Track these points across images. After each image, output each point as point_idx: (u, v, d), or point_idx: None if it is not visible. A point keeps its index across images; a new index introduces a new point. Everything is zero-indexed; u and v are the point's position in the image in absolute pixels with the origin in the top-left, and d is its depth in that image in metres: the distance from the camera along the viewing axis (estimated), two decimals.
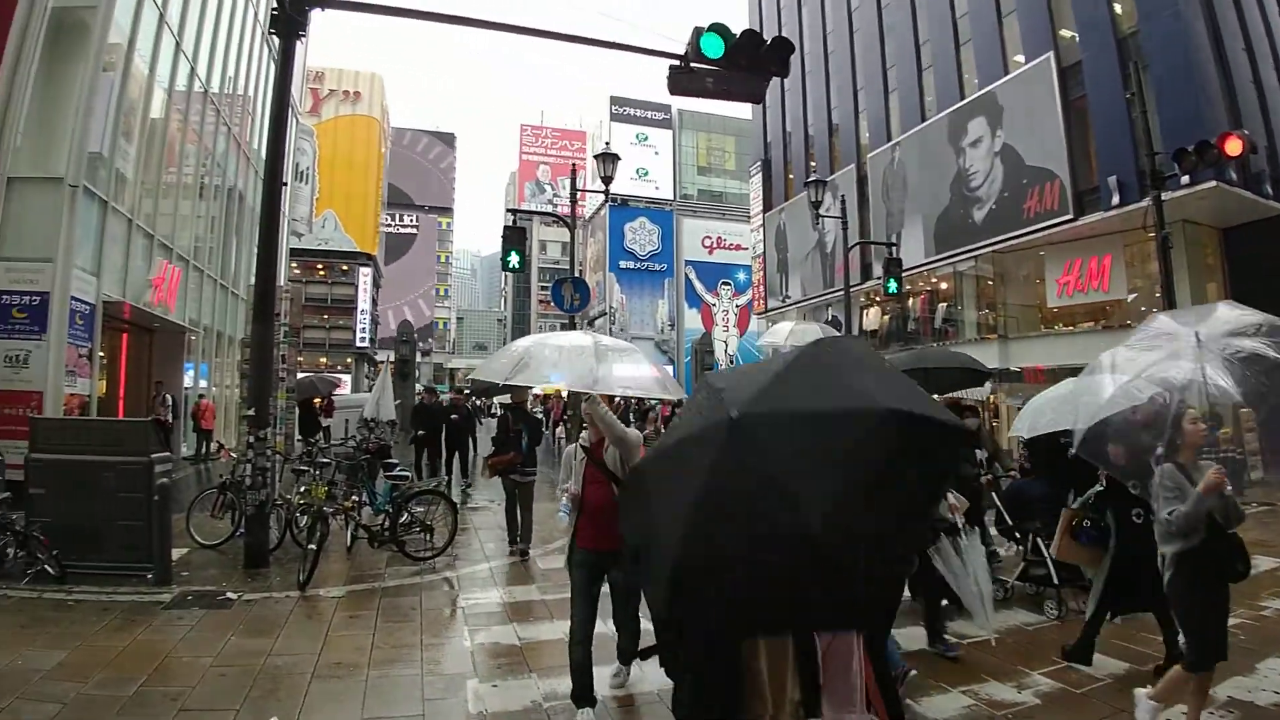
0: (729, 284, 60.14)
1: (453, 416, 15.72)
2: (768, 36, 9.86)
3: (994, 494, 8.14)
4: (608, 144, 20.60)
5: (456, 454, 15.78)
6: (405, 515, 9.11)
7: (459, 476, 15.76)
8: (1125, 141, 20.04)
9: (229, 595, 7.37)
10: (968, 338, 27.58)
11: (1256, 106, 22.65)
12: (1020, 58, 25.35)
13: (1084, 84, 23.09)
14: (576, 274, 18.34)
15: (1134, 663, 5.74)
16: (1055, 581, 7.04)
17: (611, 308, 59.37)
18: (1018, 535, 7.76)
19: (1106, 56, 21.92)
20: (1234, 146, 13.19)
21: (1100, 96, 22.05)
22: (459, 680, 5.41)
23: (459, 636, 6.44)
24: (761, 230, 43.84)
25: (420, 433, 15.48)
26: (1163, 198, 14.91)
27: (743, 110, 54.19)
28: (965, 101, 27.47)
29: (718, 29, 9.03)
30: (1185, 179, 17.71)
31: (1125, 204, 20.59)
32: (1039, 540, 7.24)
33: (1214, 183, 19.10)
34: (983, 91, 26.63)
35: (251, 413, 9.12)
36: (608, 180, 18.18)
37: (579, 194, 19.95)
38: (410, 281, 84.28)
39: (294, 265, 52.52)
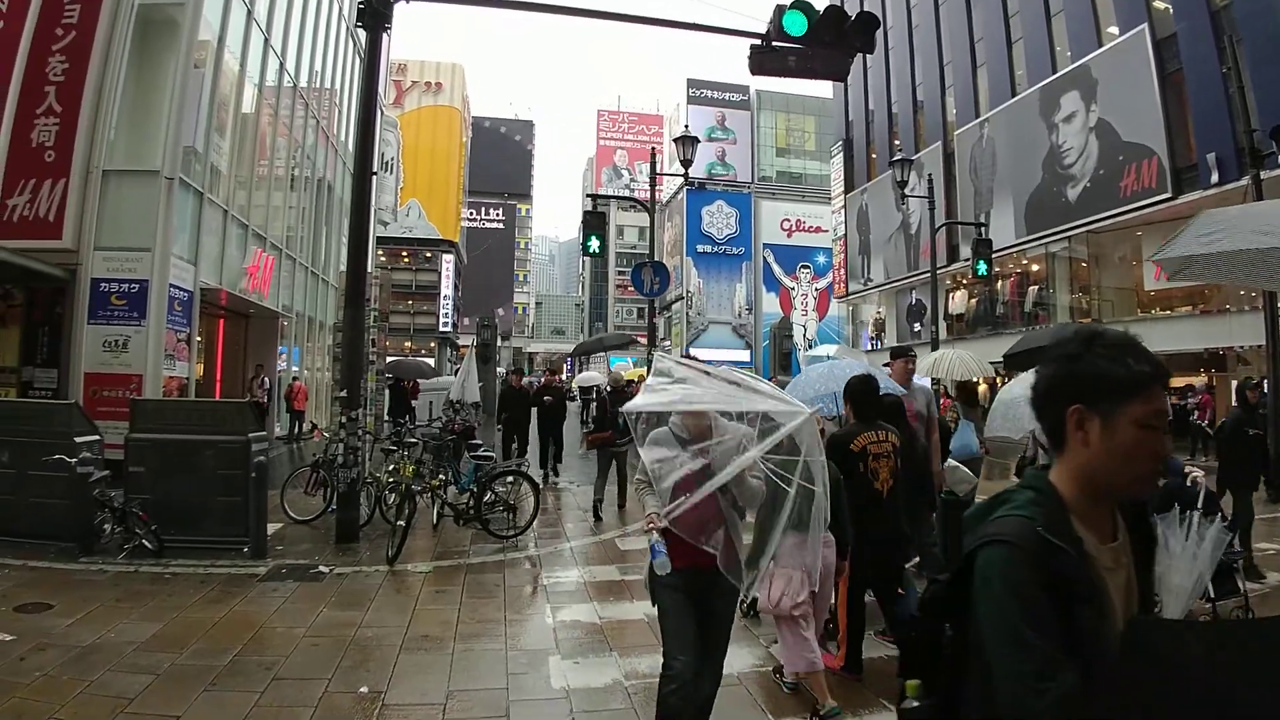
0: (808, 267, 59.20)
1: (545, 399, 14.80)
2: (851, 12, 9.64)
3: None
4: (686, 127, 20.45)
5: (551, 440, 14.40)
6: (489, 494, 9.30)
7: (552, 463, 14.32)
8: (1223, 117, 18.92)
9: (321, 569, 7.62)
10: (1059, 322, 26.58)
11: None
12: (1114, 29, 24.19)
13: (1179, 57, 21.92)
14: (655, 258, 18.28)
15: None
16: None
17: (689, 292, 59.19)
18: None
19: (1201, 28, 20.73)
20: None
21: (1196, 70, 20.89)
22: (541, 656, 5.47)
23: (541, 613, 6.54)
24: (843, 212, 43.07)
25: (505, 415, 14.58)
26: (1263, 177, 14.10)
27: (823, 89, 53.33)
28: (1057, 75, 26.39)
29: (801, 5, 8.84)
30: None
31: (1224, 182, 19.53)
32: None
33: None
34: (1076, 65, 25.51)
35: (344, 394, 9.47)
36: (687, 164, 18.10)
37: (657, 178, 19.92)
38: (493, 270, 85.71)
39: (380, 253, 53.85)
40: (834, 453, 4.78)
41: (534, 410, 14.84)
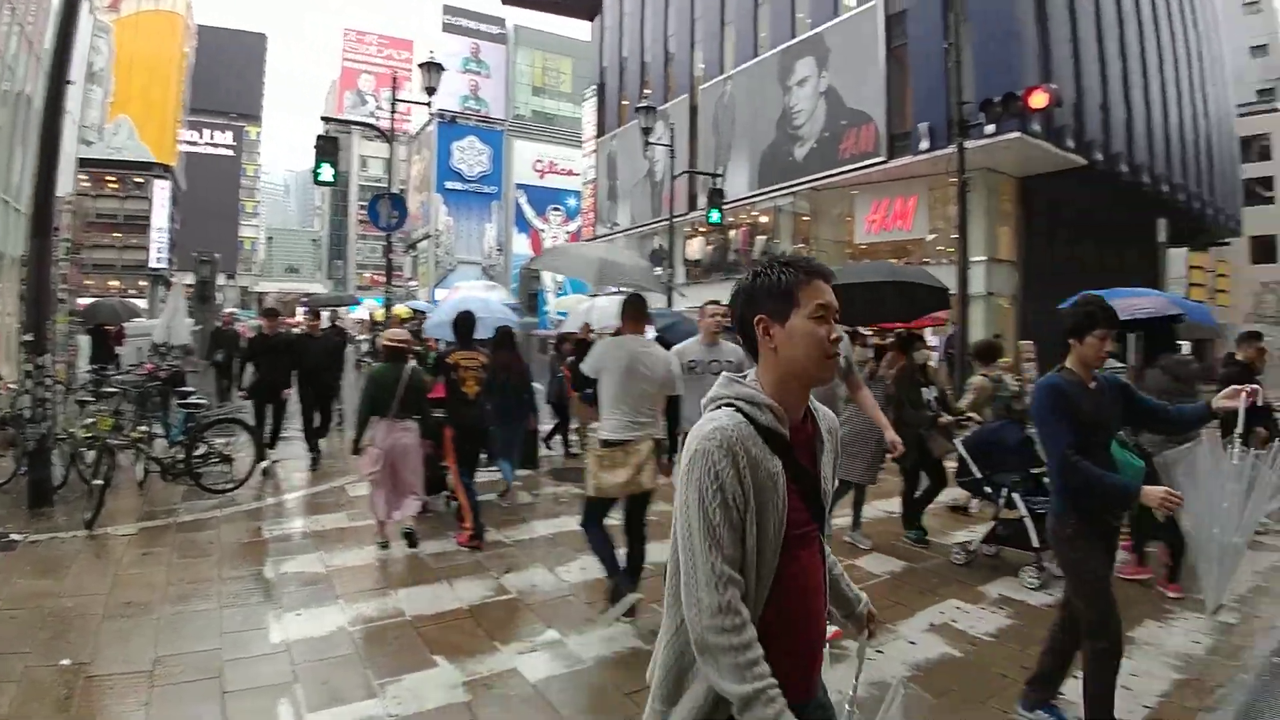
0: (559, 210, 59.28)
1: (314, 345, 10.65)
2: None
3: (955, 441, 6.80)
4: (431, 53, 18.89)
5: (318, 408, 10.56)
6: (202, 446, 8.43)
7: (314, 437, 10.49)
8: (939, 90, 21.03)
9: (13, 537, 6.62)
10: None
11: (1070, 63, 24.46)
12: (851, 1, 26.08)
13: (907, 32, 24.13)
14: (396, 191, 17.36)
15: None
16: (1036, 545, 5.82)
17: (437, 230, 57.34)
18: (988, 490, 6.41)
19: (931, 6, 22.87)
20: (1039, 100, 14.01)
21: (920, 45, 23.11)
22: (260, 611, 5.09)
23: (261, 568, 6.04)
24: (594, 156, 43.54)
25: (257, 376, 10.13)
26: (970, 146, 15.78)
27: (580, 31, 53.14)
28: (796, 40, 28.07)
29: None
30: (990, 128, 18.99)
31: (934, 149, 21.88)
32: (1015, 495, 6.09)
33: (1017, 134, 20.58)
34: (813, 32, 27.29)
35: (29, 338, 8.09)
36: (430, 91, 17.28)
37: (402, 106, 18.76)
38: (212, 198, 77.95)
39: (81, 176, 47.02)
40: (438, 364, 7.19)
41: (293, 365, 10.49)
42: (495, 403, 7.28)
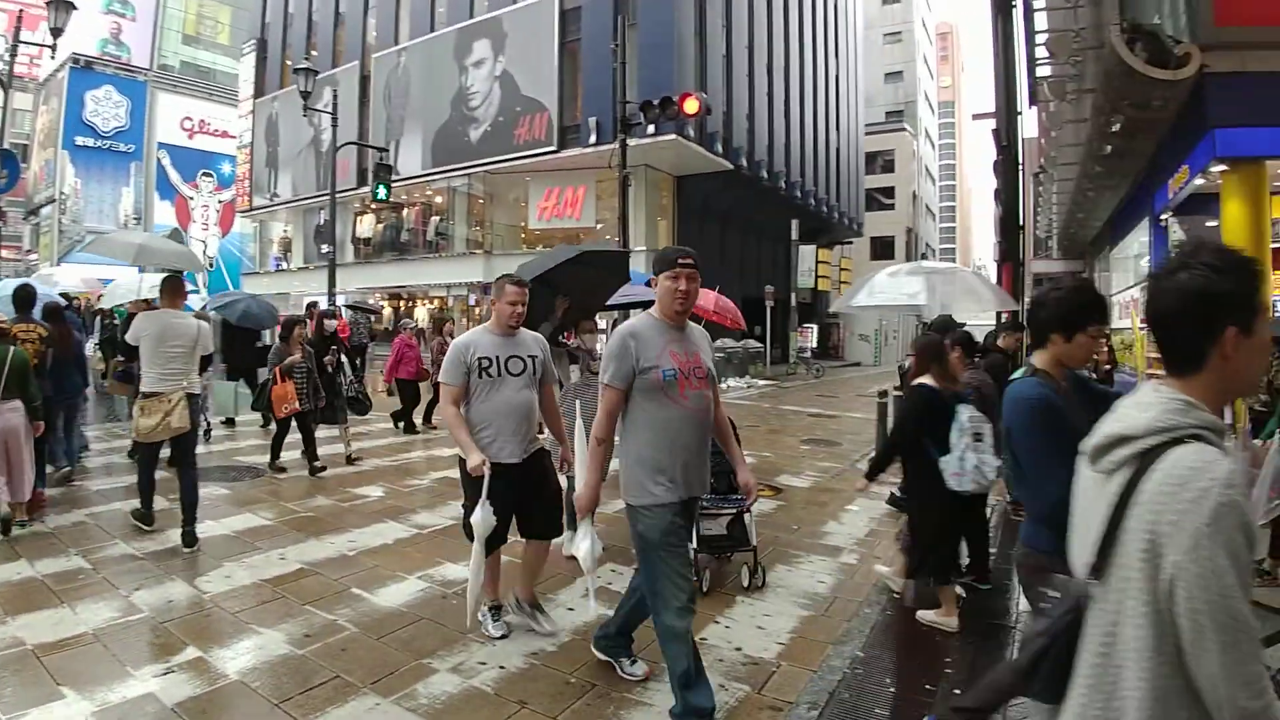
0: (210, 176, 52.98)
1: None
2: None
3: None
4: None
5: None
6: None
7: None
8: (607, 87, 21.88)
9: None
10: (458, 252, 28.41)
11: (723, 77, 26.73)
12: None
13: (581, 29, 24.84)
14: (8, 146, 14.70)
15: None
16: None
17: (62, 194, 48.88)
18: None
19: (603, 6, 23.73)
20: (691, 105, 15.03)
21: (592, 42, 23.93)
22: None
23: None
24: (251, 118, 39.77)
25: None
26: (630, 143, 16.63)
27: None
28: (473, 21, 27.80)
29: None
30: (651, 129, 20.17)
31: (600, 144, 22.78)
32: None
33: (674, 136, 22.19)
34: (490, 15, 27.17)
35: None
36: (57, 32, 14.86)
37: (33, 49, 15.95)
38: None
39: None
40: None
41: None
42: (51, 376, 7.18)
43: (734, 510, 5.19)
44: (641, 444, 3.21)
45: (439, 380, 4.37)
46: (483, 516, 3.86)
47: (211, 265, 50.47)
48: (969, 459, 4.27)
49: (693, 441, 3.28)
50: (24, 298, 7.13)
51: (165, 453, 6.20)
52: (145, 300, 9.93)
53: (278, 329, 10.03)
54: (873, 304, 8.38)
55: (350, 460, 9.12)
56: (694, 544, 4.64)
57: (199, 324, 6.19)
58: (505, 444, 4.05)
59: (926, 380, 4.61)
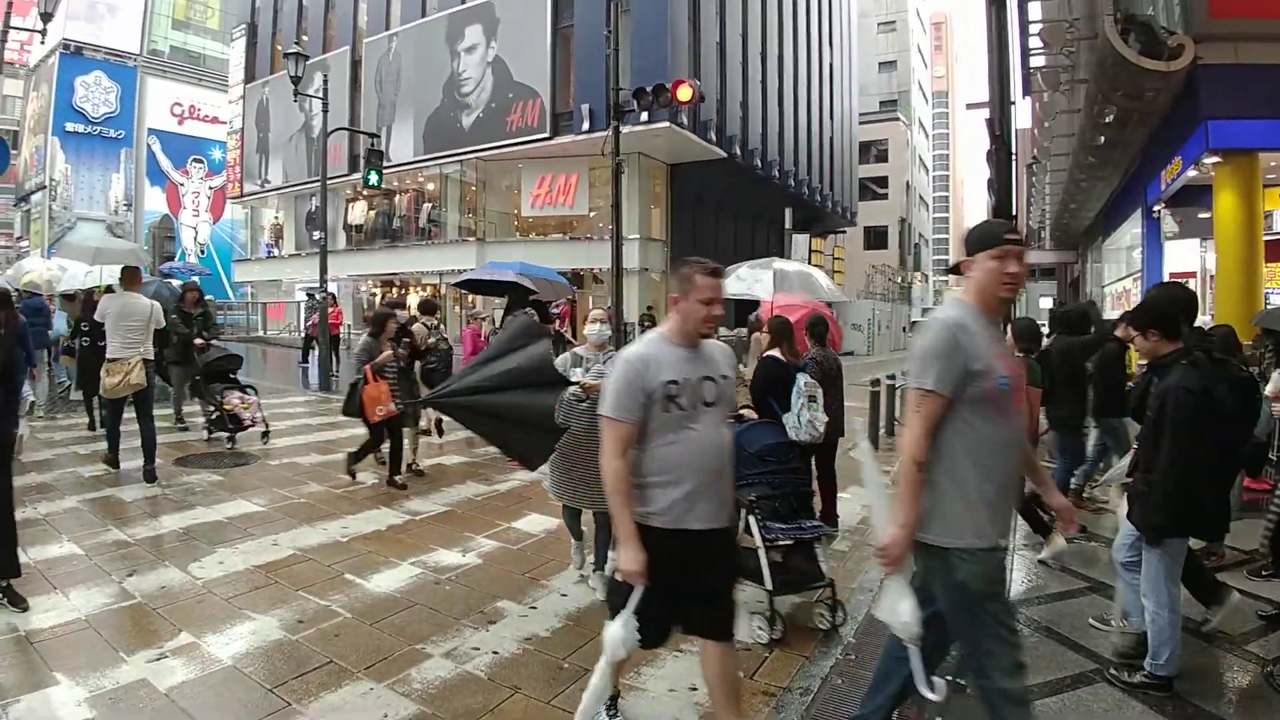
0: (201, 161, 52.66)
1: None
2: None
3: None
4: None
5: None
6: None
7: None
8: (600, 74, 21.79)
9: None
10: (450, 239, 28.32)
11: (716, 65, 26.66)
12: None
13: (574, 15, 24.73)
14: None
15: None
16: (770, 588, 4.21)
17: (53, 180, 48.44)
18: None
19: None
20: (684, 93, 14.88)
21: (585, 29, 23.84)
22: None
23: None
24: (242, 103, 39.44)
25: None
26: (623, 130, 16.50)
27: None
28: (465, 6, 27.56)
29: None
30: (644, 116, 20.10)
31: (594, 131, 22.67)
32: (751, 519, 4.61)
33: (667, 124, 22.12)
34: (483, 0, 26.94)
35: None
36: (47, 17, 14.77)
37: (23, 35, 15.77)
38: None
39: None
40: None
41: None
42: None
43: (809, 537, 4.43)
44: (966, 470, 2.52)
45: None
46: (625, 636, 2.74)
47: (203, 252, 50.25)
48: (804, 415, 5.12)
49: (1018, 469, 2.73)
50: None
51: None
52: (102, 287, 10.69)
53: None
54: (737, 292, 9.19)
55: (417, 471, 8.02)
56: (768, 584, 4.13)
57: (152, 304, 7.60)
58: (700, 504, 2.80)
59: (775, 353, 5.66)
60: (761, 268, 9.38)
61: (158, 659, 3.81)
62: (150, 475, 7.12)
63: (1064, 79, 15.22)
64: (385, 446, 7.56)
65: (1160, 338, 3.67)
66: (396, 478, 7.44)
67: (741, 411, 5.19)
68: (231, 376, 9.28)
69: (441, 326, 9.82)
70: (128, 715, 3.33)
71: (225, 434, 8.90)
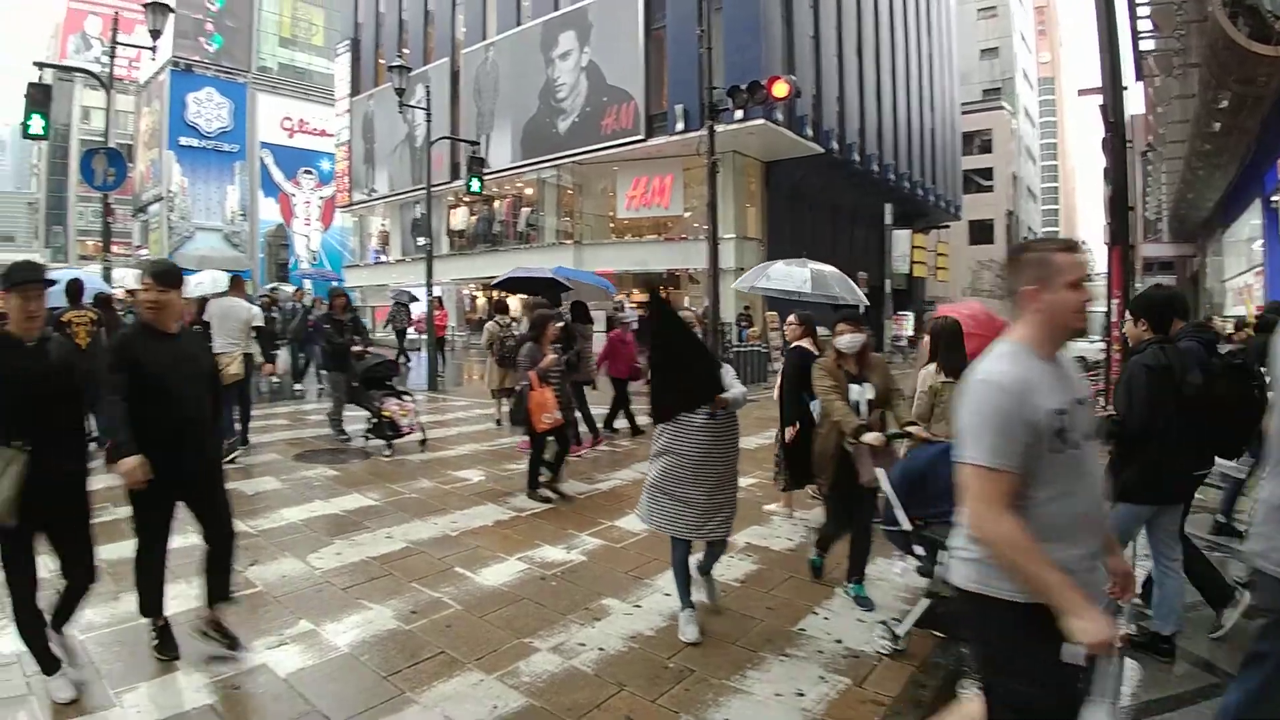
0: (311, 173, 55.04)
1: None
2: None
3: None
4: None
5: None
6: None
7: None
8: (693, 74, 21.87)
9: None
10: (548, 242, 28.75)
11: (811, 59, 26.26)
12: None
13: (665, 16, 24.78)
14: (114, 146, 15.48)
15: None
16: None
17: (170, 192, 51.41)
18: (918, 548, 4.08)
19: None
20: (780, 89, 14.72)
21: (677, 29, 23.83)
22: None
23: None
24: (348, 116, 41.01)
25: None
26: (718, 129, 16.42)
27: None
28: (559, 13, 27.95)
29: None
30: (739, 114, 19.97)
31: (688, 131, 22.66)
32: None
33: (763, 120, 21.90)
34: (575, 6, 27.29)
35: None
36: (156, 34, 15.58)
37: (131, 52, 16.79)
38: None
39: None
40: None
41: None
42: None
43: None
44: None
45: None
46: None
47: (315, 259, 52.50)
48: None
49: None
50: (74, 290, 8.37)
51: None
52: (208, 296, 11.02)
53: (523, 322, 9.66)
54: (773, 288, 9.54)
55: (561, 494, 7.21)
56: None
57: (250, 308, 8.93)
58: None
59: (804, 344, 5.95)
60: (799, 266, 9.55)
61: (278, 645, 3.98)
62: (229, 449, 7.78)
63: (1176, 63, 14.42)
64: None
65: (1147, 327, 3.98)
66: (561, 487, 7.13)
67: (909, 429, 4.48)
68: (388, 384, 9.26)
69: (514, 325, 10.81)
70: (248, 700, 3.48)
71: (384, 440, 8.89)
